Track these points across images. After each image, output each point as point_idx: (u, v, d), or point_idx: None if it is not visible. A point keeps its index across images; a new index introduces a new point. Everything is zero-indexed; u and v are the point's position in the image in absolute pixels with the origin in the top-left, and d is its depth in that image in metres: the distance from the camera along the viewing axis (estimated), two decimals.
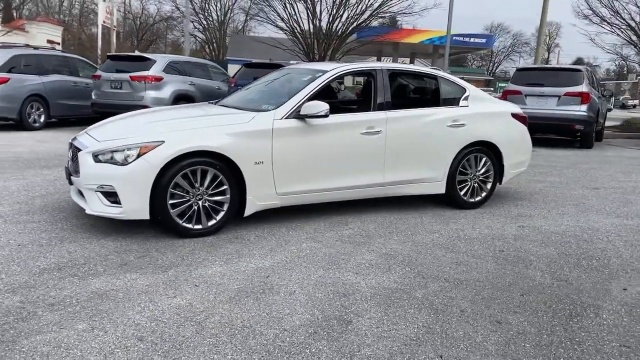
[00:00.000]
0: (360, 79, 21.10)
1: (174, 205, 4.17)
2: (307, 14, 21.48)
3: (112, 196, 4.08)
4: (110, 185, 4.06)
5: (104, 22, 28.71)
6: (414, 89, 6.22)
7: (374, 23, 24.31)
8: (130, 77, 11.76)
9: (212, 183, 4.28)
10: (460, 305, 3.25)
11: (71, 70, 13.12)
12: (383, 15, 23.38)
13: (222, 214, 4.37)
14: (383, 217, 5.15)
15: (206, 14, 42.16)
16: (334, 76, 4.96)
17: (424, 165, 5.28)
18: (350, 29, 21.66)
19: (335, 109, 5.95)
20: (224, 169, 4.27)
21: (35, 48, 12.87)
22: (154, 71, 11.81)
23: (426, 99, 5.79)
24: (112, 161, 4.06)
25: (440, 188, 5.43)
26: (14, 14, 52.38)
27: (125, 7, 50.83)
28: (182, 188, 4.18)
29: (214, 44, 46.35)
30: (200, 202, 4.27)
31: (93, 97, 12.17)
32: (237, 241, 4.24)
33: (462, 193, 5.55)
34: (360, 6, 21.26)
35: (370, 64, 5.35)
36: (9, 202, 5.03)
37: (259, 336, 2.75)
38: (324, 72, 4.99)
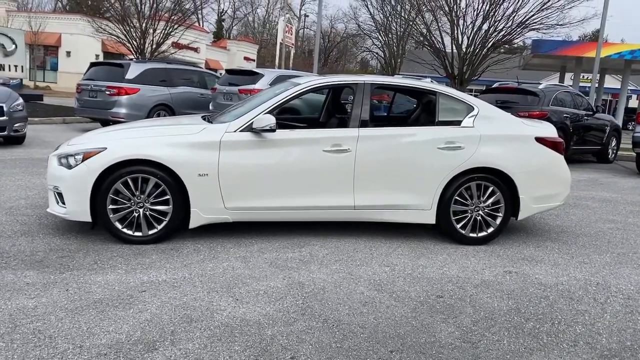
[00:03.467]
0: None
1: (114, 211, 4.31)
2: (451, 27, 20.67)
3: (61, 197, 4.36)
4: (57, 187, 4.34)
5: (282, 40, 31.09)
6: (404, 103, 5.59)
7: (526, 35, 22.41)
8: (239, 90, 12.46)
9: (156, 192, 4.32)
10: (299, 350, 2.82)
11: (200, 82, 14.40)
12: (536, 27, 21.42)
13: (164, 223, 4.39)
14: (348, 243, 4.70)
15: (387, 30, 42.69)
16: (301, 90, 4.68)
17: (405, 191, 4.69)
18: (491, 43, 20.27)
19: (315, 124, 5.64)
20: (165, 178, 4.30)
21: (168, 62, 14.40)
22: (260, 85, 12.35)
23: (417, 117, 5.16)
24: (65, 164, 4.34)
25: (428, 217, 4.78)
26: (224, 34, 59.81)
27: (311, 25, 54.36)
28: (123, 195, 4.30)
29: (392, 60, 47.00)
30: (141, 210, 4.35)
31: (210, 107, 13.17)
32: (166, 252, 4.22)
33: (459, 226, 4.81)
34: (504, 20, 19.79)
35: (354, 77, 4.95)
36: None
37: (50, 348, 2.69)
38: (295, 85, 4.74)
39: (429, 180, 4.69)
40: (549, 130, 5.08)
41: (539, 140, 4.92)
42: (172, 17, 22.08)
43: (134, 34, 20.88)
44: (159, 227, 4.39)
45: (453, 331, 3.15)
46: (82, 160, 4.25)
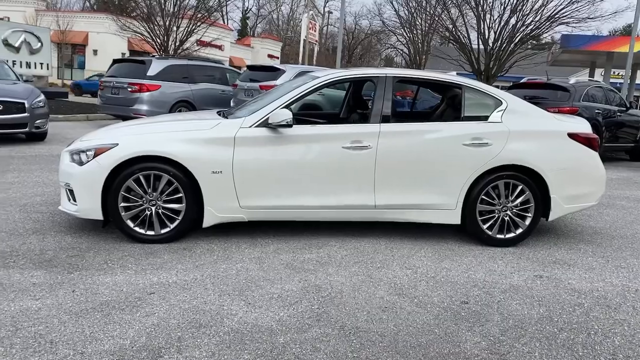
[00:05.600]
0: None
1: (126, 209, 4.18)
2: (478, 22, 20.21)
3: (72, 194, 4.25)
4: (69, 184, 4.23)
5: (306, 37, 30.99)
6: (428, 100, 5.33)
7: (555, 29, 21.79)
8: (260, 86, 12.33)
9: (169, 190, 4.18)
10: (310, 357, 2.63)
11: (222, 79, 14.32)
12: (565, 21, 20.79)
13: (177, 222, 4.24)
14: (368, 244, 4.48)
15: (412, 27, 42.11)
16: (320, 84, 4.47)
17: (429, 189, 4.46)
18: (519, 38, 19.75)
19: (335, 119, 5.44)
20: (178, 176, 4.15)
21: (190, 59, 14.35)
22: (281, 81, 12.21)
23: (441, 112, 4.91)
24: (76, 161, 4.22)
25: (452, 217, 4.54)
26: (249, 32, 60.18)
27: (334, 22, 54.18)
28: (135, 192, 4.17)
29: (417, 57, 46.41)
30: (153, 208, 4.21)
31: (231, 104, 13.08)
32: (178, 252, 4.07)
33: (486, 226, 4.55)
34: (532, 14, 19.24)
35: (375, 69, 4.72)
36: None
37: (50, 353, 2.55)
38: (314, 79, 4.54)
39: (454, 179, 4.44)
40: (583, 126, 4.77)
41: (572, 136, 4.63)
42: (196, 15, 22.10)
43: (158, 32, 20.95)
44: (172, 226, 4.25)
45: (479, 341, 2.92)
46: (94, 157, 4.13)
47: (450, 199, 4.48)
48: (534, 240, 4.87)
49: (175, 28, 21.05)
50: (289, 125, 4.18)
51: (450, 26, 22.23)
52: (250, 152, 4.22)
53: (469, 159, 4.43)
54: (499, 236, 4.59)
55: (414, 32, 42.26)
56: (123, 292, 3.29)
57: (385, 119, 4.44)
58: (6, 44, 15.65)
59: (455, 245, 4.58)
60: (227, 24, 55.71)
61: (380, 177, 4.38)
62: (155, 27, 20.92)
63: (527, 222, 4.59)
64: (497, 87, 4.76)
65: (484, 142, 4.44)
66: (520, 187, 4.51)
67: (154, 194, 4.18)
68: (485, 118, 4.58)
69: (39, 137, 9.43)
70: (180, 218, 4.24)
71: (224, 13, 55.72)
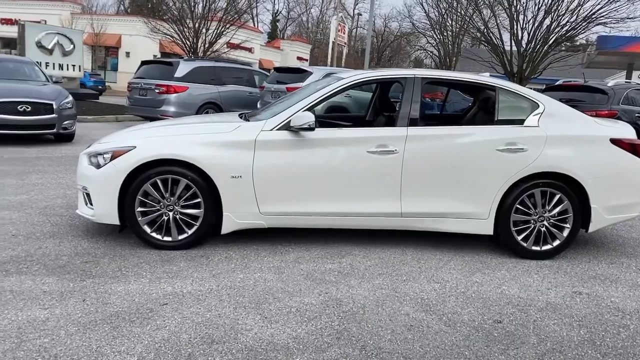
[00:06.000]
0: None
1: (143, 214, 4.05)
2: (510, 22, 19.68)
3: (89, 198, 4.15)
4: (86, 187, 4.13)
5: (335, 39, 30.89)
6: (459, 102, 5.05)
7: (592, 30, 21.08)
8: (287, 88, 12.20)
9: (187, 195, 4.04)
10: None
11: (249, 81, 14.25)
12: (603, 22, 20.06)
13: (194, 228, 4.10)
14: (394, 254, 4.25)
15: (442, 28, 41.57)
16: (344, 86, 4.27)
17: (459, 197, 4.20)
18: (554, 39, 19.14)
19: (361, 122, 5.26)
20: (196, 180, 4.00)
21: (217, 61, 14.32)
22: (308, 83, 12.06)
23: (473, 115, 4.64)
24: (94, 163, 4.12)
25: (485, 227, 4.27)
26: (278, 34, 60.52)
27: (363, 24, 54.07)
28: (152, 197, 4.04)
29: (447, 58, 45.70)
30: (171, 214, 4.07)
31: (258, 106, 12.99)
32: (195, 260, 3.92)
33: (520, 238, 4.28)
34: (568, 14, 18.61)
35: (403, 70, 4.48)
36: None
37: None
38: (338, 80, 4.34)
39: (487, 186, 4.18)
40: (627, 131, 4.45)
41: (615, 142, 4.31)
42: (225, 17, 22.16)
43: (187, 34, 21.07)
44: (190, 232, 4.10)
45: None
46: (111, 160, 4.01)
47: (482, 207, 4.22)
48: (572, 253, 4.56)
49: (204, 30, 21.14)
50: (311, 129, 3.99)
51: (482, 27, 21.73)
52: (271, 156, 4.05)
53: (503, 166, 4.16)
54: (534, 248, 4.30)
55: (444, 33, 41.68)
56: (135, 303, 3.15)
57: (413, 122, 4.20)
58: (39, 46, 15.92)
59: (487, 258, 4.31)
60: (257, 26, 56.02)
61: (407, 184, 4.15)
62: (185, 30, 21.04)
63: (565, 233, 4.29)
64: (530, 89, 4.47)
65: (519, 148, 4.17)
66: (558, 196, 4.22)
67: (172, 198, 4.05)
68: (521, 122, 4.30)
69: (66, 138, 9.47)
70: (198, 224, 4.09)
71: (254, 15, 56.09)
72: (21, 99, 8.48)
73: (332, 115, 6.17)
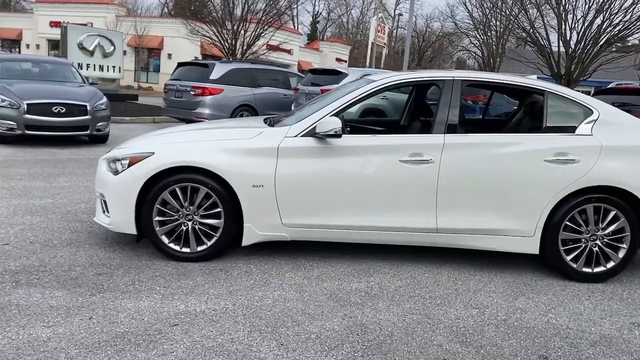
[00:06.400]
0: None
1: (161, 223, 3.85)
2: (558, 22, 18.85)
3: (106, 205, 3.97)
4: (103, 194, 3.96)
5: (374, 39, 30.58)
6: (503, 105, 4.64)
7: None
8: (321, 90, 11.94)
9: (207, 204, 3.81)
10: None
11: (285, 83, 14.07)
12: None
13: (214, 239, 3.87)
14: (427, 273, 3.90)
15: (486, 28, 40.58)
16: (375, 89, 3.96)
17: (501, 212, 3.83)
18: (605, 39, 18.20)
19: (395, 128, 4.94)
20: (216, 189, 3.77)
21: (253, 63, 14.21)
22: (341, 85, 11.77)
23: (519, 121, 4.24)
24: (111, 169, 3.94)
25: (529, 246, 3.88)
26: (318, 36, 60.58)
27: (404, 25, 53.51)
28: (171, 206, 3.83)
29: (490, 59, 44.53)
30: (190, 223, 3.85)
31: (292, 108, 12.78)
32: (213, 274, 3.68)
33: (569, 258, 3.87)
34: (621, 13, 17.65)
35: (441, 72, 4.13)
36: None
37: None
38: (369, 83, 4.03)
39: (533, 201, 3.79)
40: None
41: None
42: (263, 18, 22.09)
43: (226, 36, 21.09)
44: (209, 244, 3.87)
45: None
46: (128, 166, 3.82)
47: (527, 224, 3.83)
48: (629, 276, 4.11)
49: (243, 32, 21.11)
50: (337, 135, 3.70)
51: (528, 27, 20.93)
52: (294, 164, 3.77)
53: (552, 178, 3.76)
54: (585, 270, 3.88)
55: (488, 33, 40.61)
56: (143, 323, 2.92)
57: (451, 129, 3.85)
58: (81, 47, 16.19)
59: (532, 279, 3.91)
60: (297, 28, 56.07)
61: (443, 196, 3.80)
62: (224, 31, 21.07)
63: (621, 254, 3.86)
64: (578, 92, 4.04)
65: (570, 159, 3.76)
66: (613, 213, 3.79)
67: (191, 207, 3.82)
68: (572, 130, 3.89)
69: (100, 139, 9.47)
70: (218, 235, 3.86)
71: (294, 16, 56.18)
72: (55, 100, 8.49)
73: (364, 120, 5.85)
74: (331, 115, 3.81)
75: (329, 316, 3.13)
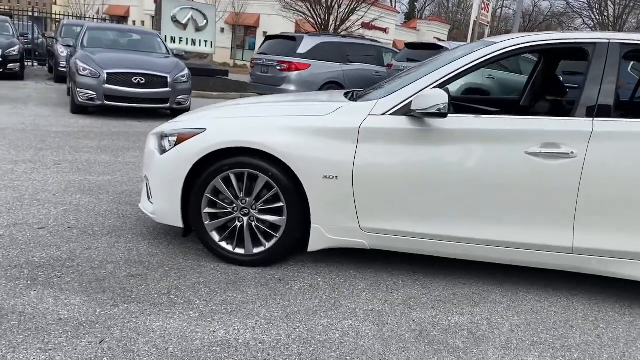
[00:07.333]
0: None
1: (212, 216, 3.12)
2: None
3: (150, 190, 3.30)
4: (147, 176, 3.29)
5: (477, 18, 28.64)
6: None
7: None
8: None
9: (267, 197, 3.02)
10: None
11: (377, 59, 13.06)
12: None
13: (274, 240, 3.07)
14: (555, 305, 2.86)
15: (602, 8, 36.96)
16: (499, 52, 2.91)
17: None
18: None
19: (512, 109, 3.89)
20: (279, 178, 2.95)
21: (344, 36, 13.29)
22: None
23: None
24: (158, 147, 3.25)
25: None
26: (416, 15, 58.52)
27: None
28: (224, 196, 3.08)
29: None
30: (245, 219, 3.08)
31: None
32: (269, 285, 2.89)
33: None
34: None
35: (589, 33, 2.99)
36: None
37: None
38: (488, 44, 3.00)
39: None
40: None
41: None
42: None
43: (319, 11, 20.33)
44: (267, 246, 3.09)
45: None
46: (176, 144, 3.10)
47: None
48: None
49: (337, 6, 20.23)
50: (441, 115, 2.72)
51: None
52: (380, 151, 2.86)
53: None
54: None
55: (605, 14, 36.78)
56: (166, 355, 2.19)
57: (602, 112, 2.76)
58: (174, 20, 16.07)
59: None
60: (395, 6, 54.25)
61: (586, 205, 2.73)
62: (317, 6, 20.31)
63: None
64: None
65: None
66: None
67: (247, 199, 3.05)
68: None
69: (180, 113, 9.03)
70: (278, 235, 3.06)
71: None
72: (136, 70, 8.13)
73: (468, 98, 4.75)
74: (433, 87, 2.84)
75: None
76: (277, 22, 35.83)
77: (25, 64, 14.37)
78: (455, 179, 2.81)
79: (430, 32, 49.02)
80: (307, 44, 11.49)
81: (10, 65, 12.15)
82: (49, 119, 7.64)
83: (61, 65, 12.18)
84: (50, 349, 2.16)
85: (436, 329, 2.55)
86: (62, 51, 12.10)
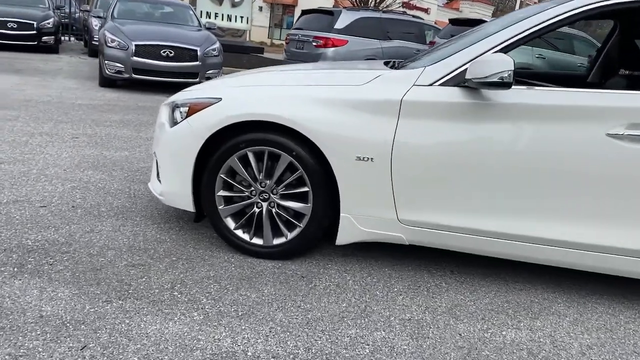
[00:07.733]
0: None
1: (227, 200, 2.72)
2: None
3: (159, 168, 2.91)
4: (155, 152, 2.90)
5: None
6: None
7: None
8: None
9: (289, 180, 2.60)
10: None
11: (419, 37, 12.40)
12: None
13: (297, 230, 2.65)
14: (629, 320, 2.36)
15: None
16: (578, 10, 2.37)
17: None
18: None
19: (578, 83, 3.33)
20: (304, 158, 2.51)
21: (384, 12, 12.65)
22: None
23: None
24: (169, 119, 2.85)
25: None
26: None
27: None
28: (241, 177, 2.66)
29: None
30: (265, 204, 2.66)
31: None
32: (290, 283, 2.48)
33: None
34: None
35: None
36: None
37: None
38: (560, 4, 2.45)
39: None
40: None
41: None
42: None
43: None
44: (290, 236, 2.67)
45: None
46: (187, 116, 2.69)
47: None
48: None
49: None
50: (505, 85, 2.21)
51: None
52: (425, 128, 2.38)
53: None
54: None
55: None
56: None
57: None
58: None
59: None
60: None
61: None
62: None
63: None
64: None
65: None
66: None
67: (268, 182, 2.62)
68: None
69: None
70: (302, 225, 2.63)
71: None
72: (165, 42, 7.78)
73: (524, 72, 4.15)
74: (494, 52, 2.33)
75: None
76: (316, 1, 35.17)
77: (62, 38, 14.29)
78: (517, 165, 2.31)
79: (473, 13, 47.33)
80: (344, 19, 10.94)
81: (44, 38, 12.04)
82: (76, 92, 7.39)
83: (95, 38, 12.01)
84: (20, 355, 1.80)
85: (488, 347, 2.08)
86: (95, 24, 11.91)
